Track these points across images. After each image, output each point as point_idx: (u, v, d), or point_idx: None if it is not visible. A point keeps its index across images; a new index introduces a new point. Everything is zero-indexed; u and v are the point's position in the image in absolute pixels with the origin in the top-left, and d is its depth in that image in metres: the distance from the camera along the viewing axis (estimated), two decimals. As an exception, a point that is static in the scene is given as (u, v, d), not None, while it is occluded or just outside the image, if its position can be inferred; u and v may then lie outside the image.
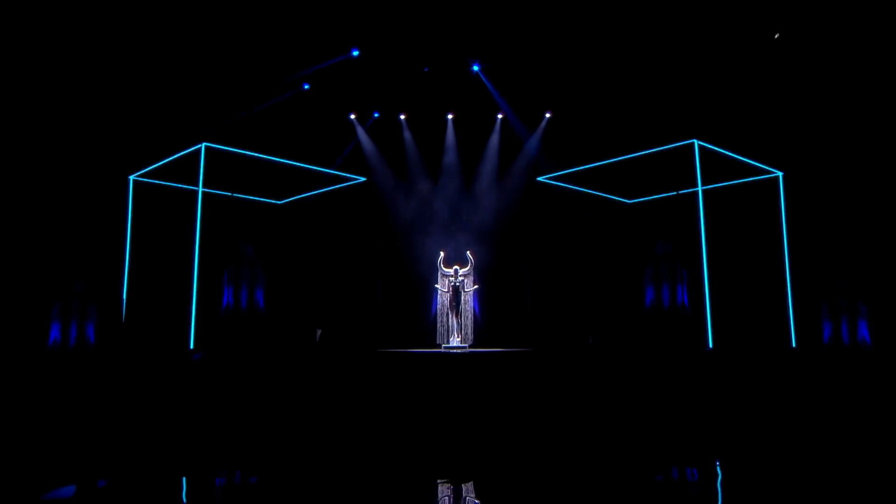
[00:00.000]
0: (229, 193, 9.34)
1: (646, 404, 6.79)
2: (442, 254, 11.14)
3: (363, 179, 11.19)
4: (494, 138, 11.60)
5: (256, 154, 9.59)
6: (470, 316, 10.99)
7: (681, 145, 8.67)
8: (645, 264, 9.57)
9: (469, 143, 11.90)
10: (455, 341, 10.49)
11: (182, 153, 8.63)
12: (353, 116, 10.98)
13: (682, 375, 7.05)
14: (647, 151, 9.01)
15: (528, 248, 11.67)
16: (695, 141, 8.51)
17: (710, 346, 8.15)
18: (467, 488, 4.47)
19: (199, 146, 8.46)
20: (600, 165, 9.66)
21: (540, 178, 11.08)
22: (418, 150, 11.81)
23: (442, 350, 9.99)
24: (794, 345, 8.45)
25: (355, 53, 9.15)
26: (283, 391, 7.15)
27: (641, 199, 10.62)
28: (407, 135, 11.63)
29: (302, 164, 10.29)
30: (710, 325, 8.17)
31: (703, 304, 8.23)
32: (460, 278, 10.81)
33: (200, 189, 8.38)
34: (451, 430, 6.32)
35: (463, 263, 11.07)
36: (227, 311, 8.84)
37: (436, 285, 11.06)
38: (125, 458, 5.32)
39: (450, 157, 11.92)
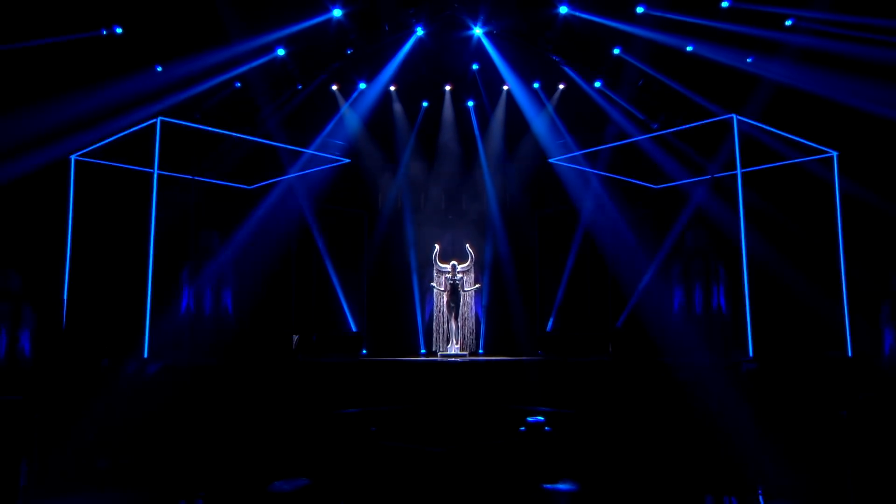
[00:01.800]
0: (190, 177, 9.26)
1: (679, 425, 6.64)
2: (437, 247, 11.09)
3: (347, 161, 11.05)
4: (500, 113, 11.42)
5: (222, 131, 9.44)
6: (471, 319, 11.04)
7: (718, 121, 8.56)
8: (674, 260, 9.48)
9: (469, 119, 11.71)
10: (454, 348, 10.43)
11: (134, 129, 8.54)
12: (334, 88, 10.83)
13: (720, 391, 6.90)
14: (679, 129, 8.87)
15: (539, 240, 11.57)
16: (734, 116, 8.43)
17: (752, 355, 8.05)
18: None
19: (154, 121, 8.38)
20: (627, 144, 9.55)
21: (552, 160, 10.98)
22: (410, 127, 11.63)
23: (438, 359, 9.94)
24: (849, 354, 8.33)
25: (337, 13, 8.93)
26: (254, 409, 7.03)
27: (670, 185, 10.48)
28: (397, 107, 11.42)
29: (275, 143, 10.15)
30: (752, 331, 8.08)
31: (742, 306, 8.14)
32: (459, 275, 10.76)
33: (156, 171, 8.28)
34: (449, 453, 6.26)
35: (462, 258, 11.01)
36: (187, 316, 8.71)
37: (431, 283, 11.00)
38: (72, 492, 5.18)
39: (447, 134, 11.76)
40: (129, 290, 8.23)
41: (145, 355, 7.87)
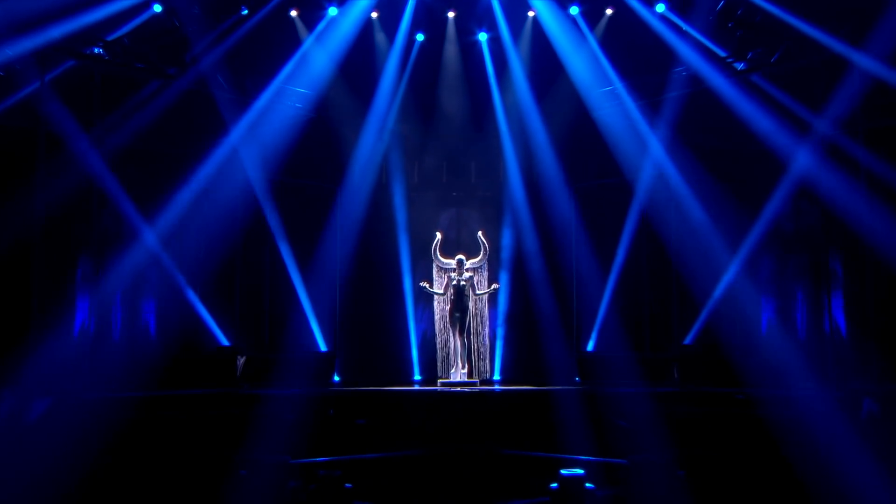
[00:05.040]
0: (92, 135, 9.13)
1: (774, 480, 6.46)
2: (439, 235, 11.09)
3: (312, 116, 10.98)
4: (523, 50, 11.26)
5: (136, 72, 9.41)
6: (483, 333, 11.02)
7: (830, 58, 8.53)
8: (767, 253, 9.46)
9: (481, 58, 11.55)
10: (459, 374, 10.39)
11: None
12: (294, 13, 10.72)
13: (834, 435, 6.85)
14: (775, 69, 8.61)
15: (577, 225, 11.49)
16: (854, 51, 8.40)
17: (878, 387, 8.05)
18: None
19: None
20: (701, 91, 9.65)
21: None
22: (400, 70, 11.45)
23: (438, 388, 9.98)
24: None
25: None
26: (187, 457, 6.98)
27: (762, 148, 10.03)
28: (381, 41, 11.25)
29: (213, 90, 10.16)
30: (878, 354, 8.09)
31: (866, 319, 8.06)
32: (467, 274, 10.64)
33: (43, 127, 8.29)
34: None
35: (472, 251, 10.97)
36: (83, 335, 8.67)
37: (421, 284, 10.91)
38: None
39: (450, 79, 11.69)
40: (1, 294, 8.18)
41: (28, 387, 7.83)
